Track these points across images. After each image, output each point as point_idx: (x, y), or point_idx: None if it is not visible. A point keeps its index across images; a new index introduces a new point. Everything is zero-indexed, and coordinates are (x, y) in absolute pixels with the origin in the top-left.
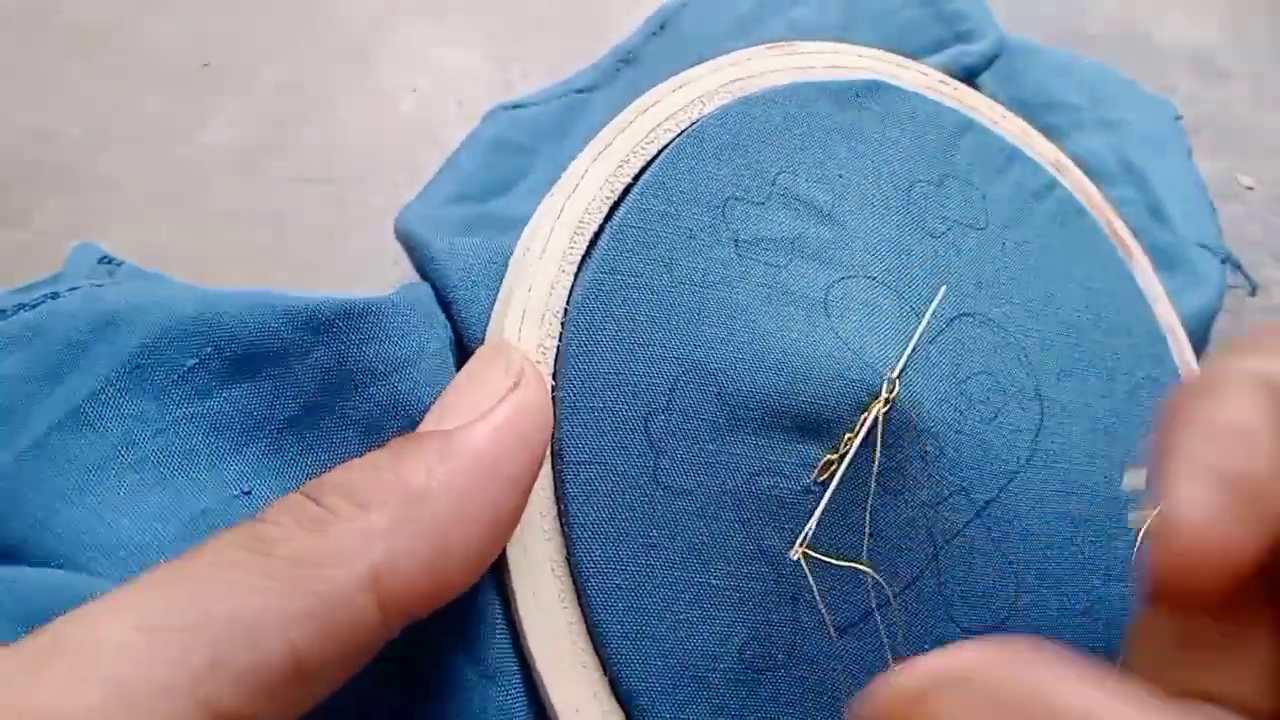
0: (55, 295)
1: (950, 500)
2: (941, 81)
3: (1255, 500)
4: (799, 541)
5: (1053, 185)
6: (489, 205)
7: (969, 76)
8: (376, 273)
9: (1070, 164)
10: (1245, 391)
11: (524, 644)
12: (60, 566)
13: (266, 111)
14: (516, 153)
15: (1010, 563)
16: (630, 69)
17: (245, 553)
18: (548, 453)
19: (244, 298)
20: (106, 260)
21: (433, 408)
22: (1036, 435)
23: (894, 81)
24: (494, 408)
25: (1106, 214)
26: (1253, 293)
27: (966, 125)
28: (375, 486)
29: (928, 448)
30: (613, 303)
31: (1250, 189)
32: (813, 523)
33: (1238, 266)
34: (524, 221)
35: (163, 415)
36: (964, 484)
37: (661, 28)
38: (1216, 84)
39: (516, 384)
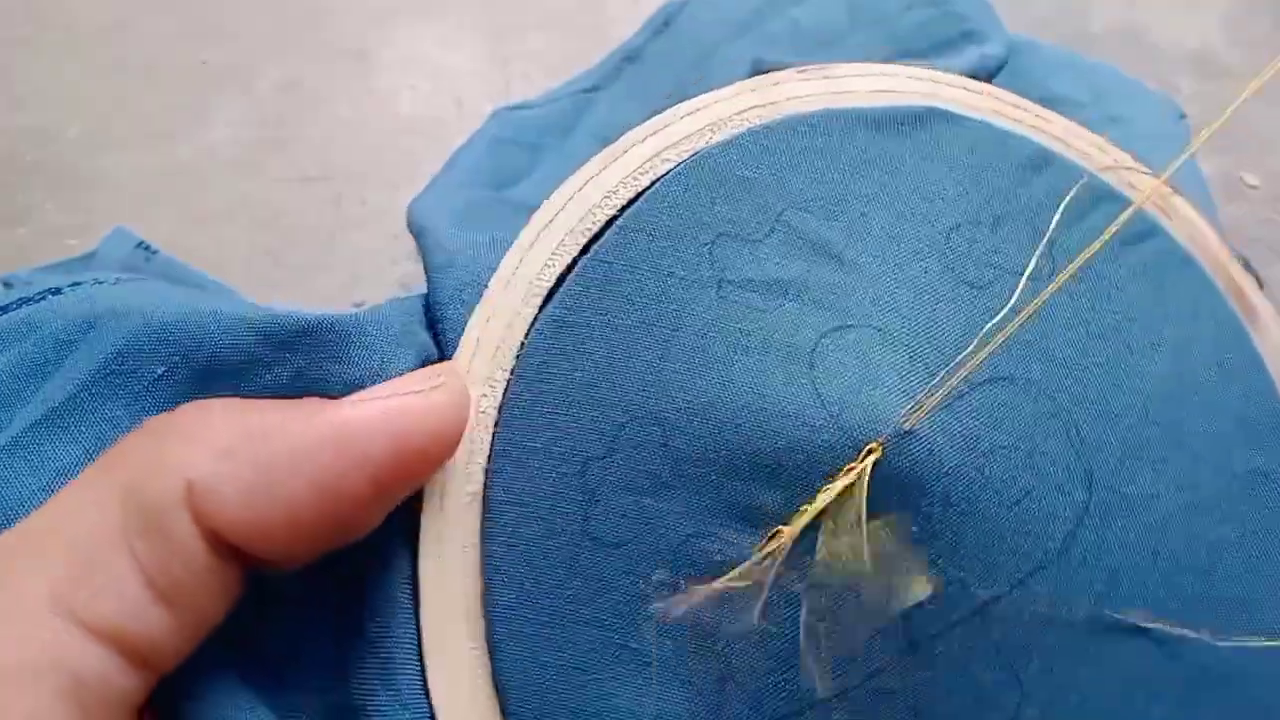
0: (58, 291)
1: (941, 591)
2: (1018, 107)
3: None
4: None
5: (1151, 231)
6: (499, 194)
7: (989, 79)
8: (376, 273)
9: (1185, 205)
10: None
11: (426, 677)
12: None
13: (266, 111)
14: (521, 149)
15: (1013, 670)
16: (633, 67)
17: (95, 471)
18: (480, 486)
19: (218, 308)
20: (144, 247)
21: (348, 397)
22: (1077, 526)
23: (954, 108)
24: (384, 397)
25: (1226, 266)
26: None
27: (1042, 159)
28: (230, 412)
29: (913, 528)
30: (568, 340)
31: (1254, 187)
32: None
33: (1246, 266)
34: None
35: (133, 422)
36: (961, 574)
37: (665, 25)
38: (1217, 82)
39: (429, 390)
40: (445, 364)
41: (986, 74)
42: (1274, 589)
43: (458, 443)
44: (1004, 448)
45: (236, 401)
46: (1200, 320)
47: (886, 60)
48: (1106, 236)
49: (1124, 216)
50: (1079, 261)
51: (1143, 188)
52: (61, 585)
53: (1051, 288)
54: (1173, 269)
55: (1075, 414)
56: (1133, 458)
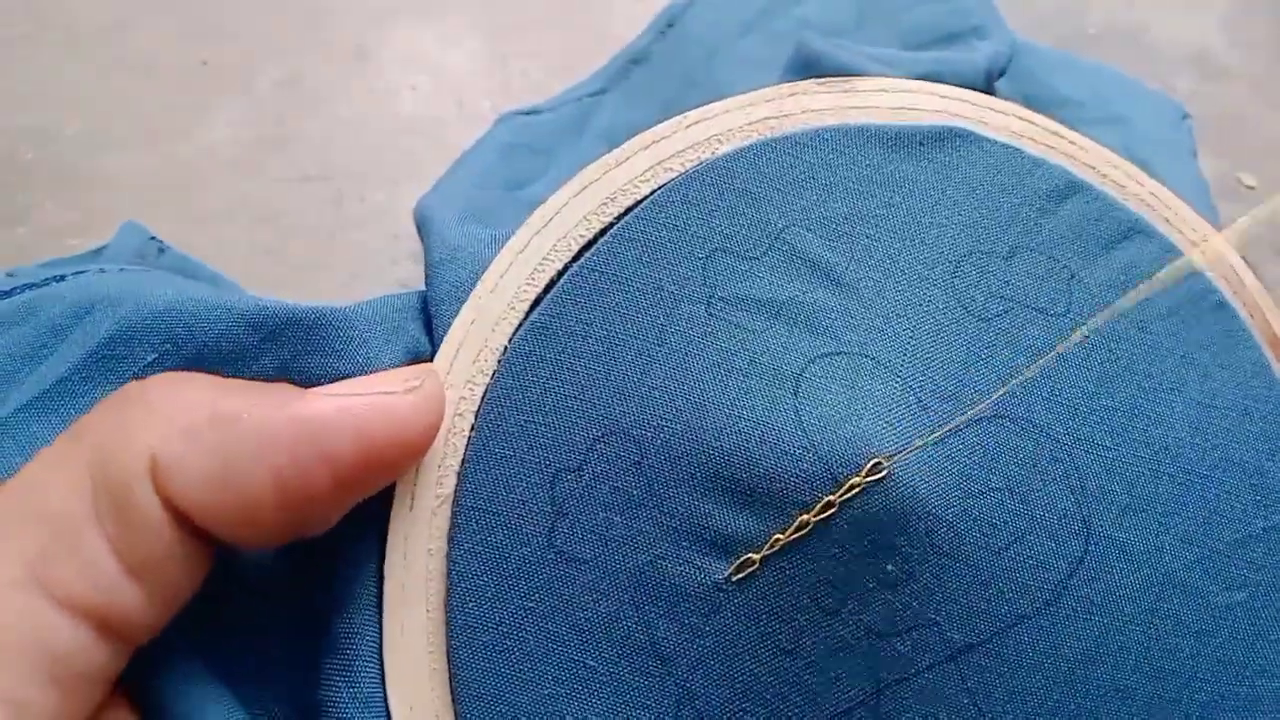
0: (62, 278)
1: (912, 634)
2: (1053, 133)
3: None
4: (732, 570)
5: (1186, 271)
6: (512, 194)
7: (999, 76)
8: (375, 272)
9: (1223, 245)
10: None
11: (385, 679)
12: None
13: (266, 111)
14: (531, 154)
15: None
16: (640, 69)
17: (64, 441)
18: (451, 491)
19: (209, 297)
20: (156, 241)
21: (322, 387)
22: (1069, 577)
23: (979, 130)
24: (357, 395)
25: (1264, 310)
26: None
27: (1070, 188)
28: (199, 391)
29: (888, 567)
30: (548, 348)
31: (1252, 188)
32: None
33: (1246, 265)
34: None
35: None
36: (937, 618)
37: (669, 26)
38: (1216, 83)
39: (403, 393)
40: (425, 365)
41: (998, 71)
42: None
43: (428, 446)
44: (996, 490)
45: (208, 378)
46: (1228, 368)
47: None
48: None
49: (1156, 277)
50: (1100, 318)
51: (1176, 221)
52: (35, 561)
53: (1072, 339)
54: (1204, 313)
55: (1078, 459)
56: (1138, 509)
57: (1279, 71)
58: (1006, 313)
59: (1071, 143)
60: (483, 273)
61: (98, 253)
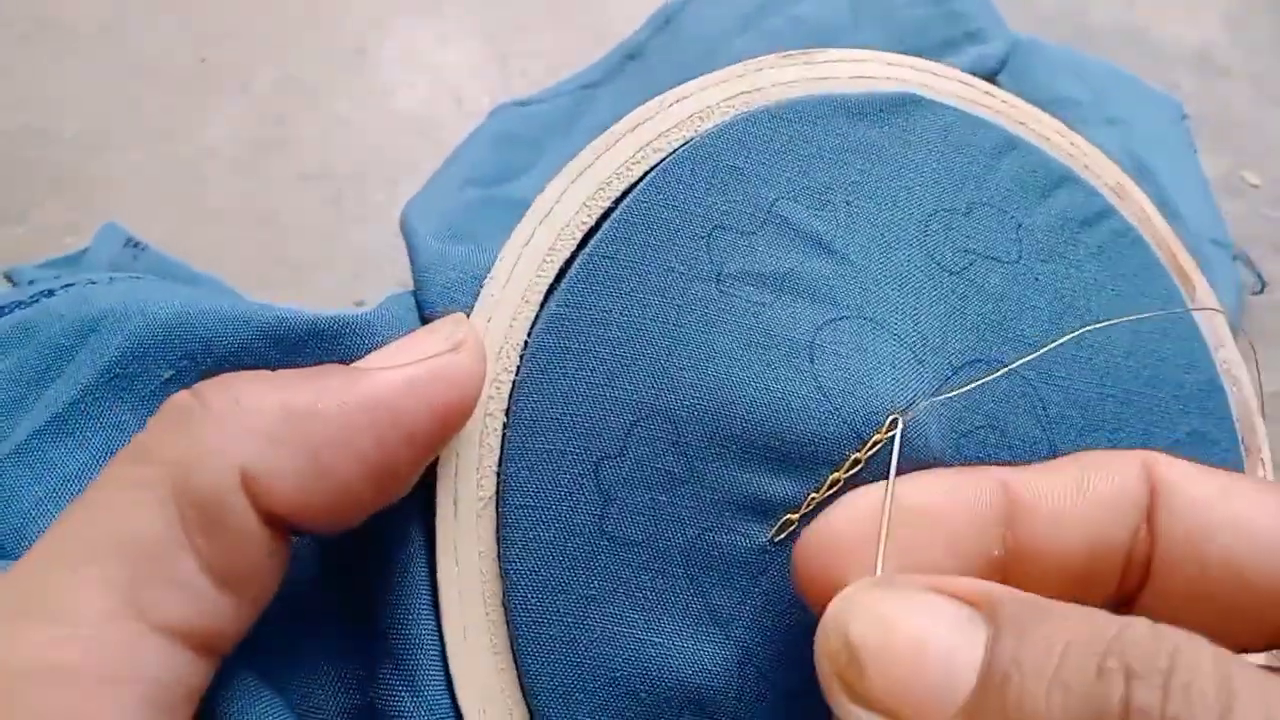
0: (51, 293)
1: None
2: (987, 93)
3: None
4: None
5: (1106, 213)
6: (497, 190)
7: (989, 78)
8: (375, 271)
9: (1134, 188)
10: None
11: (453, 686)
12: None
13: (266, 110)
14: (522, 146)
15: None
16: (635, 64)
17: (129, 466)
18: (492, 491)
19: (223, 308)
20: (133, 244)
21: (365, 357)
22: None
23: (928, 94)
24: (414, 363)
25: (1170, 245)
26: (1260, 290)
27: (1008, 144)
28: (260, 392)
29: None
30: (573, 339)
31: (1255, 186)
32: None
33: (1249, 263)
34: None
35: (140, 426)
36: None
37: (666, 23)
38: (1218, 81)
39: (452, 351)
40: (455, 316)
41: (986, 74)
42: None
43: (478, 399)
44: (980, 427)
45: (258, 375)
46: (1147, 295)
47: None
48: None
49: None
50: None
51: (1095, 168)
52: (129, 589)
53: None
54: (1125, 248)
55: (1042, 391)
56: (1092, 428)
57: (1279, 69)
58: (971, 265)
59: (1004, 102)
60: (471, 274)
61: (79, 256)
